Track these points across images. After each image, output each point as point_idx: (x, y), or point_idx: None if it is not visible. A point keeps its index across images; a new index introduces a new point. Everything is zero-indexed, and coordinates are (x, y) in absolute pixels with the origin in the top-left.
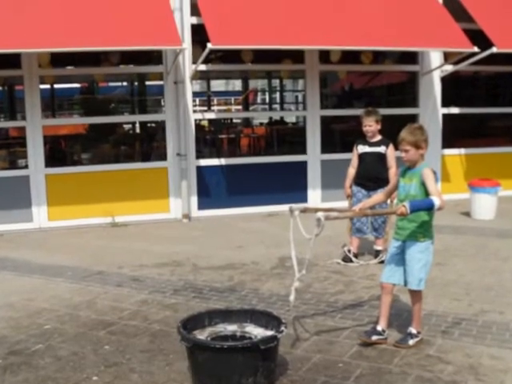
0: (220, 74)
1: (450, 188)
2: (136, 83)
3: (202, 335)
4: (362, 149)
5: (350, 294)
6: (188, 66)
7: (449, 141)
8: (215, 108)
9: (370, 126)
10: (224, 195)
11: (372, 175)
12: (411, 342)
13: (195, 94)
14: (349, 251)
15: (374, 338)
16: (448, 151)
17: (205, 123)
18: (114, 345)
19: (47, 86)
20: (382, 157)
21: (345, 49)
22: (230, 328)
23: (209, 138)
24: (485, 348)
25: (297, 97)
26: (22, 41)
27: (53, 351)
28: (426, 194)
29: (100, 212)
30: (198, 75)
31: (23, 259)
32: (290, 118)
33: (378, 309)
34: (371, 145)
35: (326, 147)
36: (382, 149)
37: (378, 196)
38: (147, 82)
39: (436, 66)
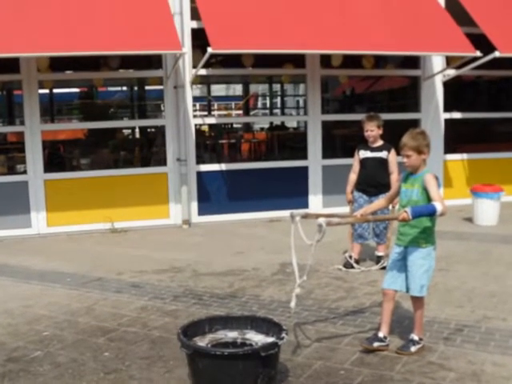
0: (220, 78)
1: (452, 193)
2: (136, 88)
3: (203, 342)
4: (364, 154)
5: (351, 301)
6: (188, 71)
7: (451, 146)
8: (215, 113)
9: (372, 131)
10: (224, 201)
11: (373, 181)
12: (413, 348)
13: (195, 99)
14: (350, 257)
15: (376, 344)
16: (450, 156)
17: (205, 128)
18: (113, 351)
19: (46, 91)
20: (383, 162)
21: (346, 53)
22: (231, 335)
23: (209, 143)
24: (488, 355)
25: (298, 101)
26: (20, 45)
27: (52, 358)
28: (428, 199)
29: (99, 218)
30: (198, 80)
31: (21, 265)
32: (291, 123)
33: (379, 315)
34: (373, 150)
35: (328, 152)
36: (383, 154)
37: (380, 202)
38: (147, 87)
39: (438, 71)
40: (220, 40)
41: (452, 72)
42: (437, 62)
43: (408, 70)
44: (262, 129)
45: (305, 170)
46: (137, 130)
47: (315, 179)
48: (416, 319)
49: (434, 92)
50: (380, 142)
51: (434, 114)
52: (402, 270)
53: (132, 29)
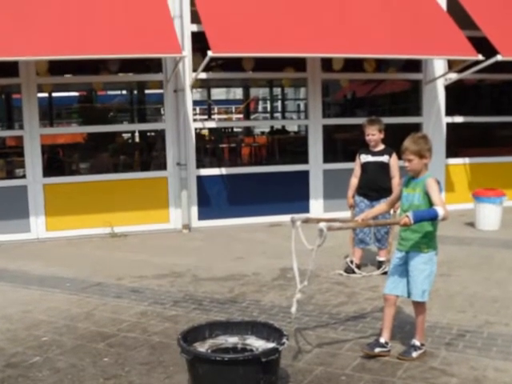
0: (221, 82)
1: (454, 198)
2: (135, 92)
3: (203, 347)
4: (365, 158)
5: (352, 306)
6: (188, 74)
7: (453, 150)
8: (216, 117)
9: (373, 135)
10: (225, 205)
11: (375, 185)
12: (415, 354)
13: (195, 103)
14: (351, 262)
15: (377, 350)
16: (452, 160)
17: (205, 132)
18: (113, 357)
19: (45, 95)
20: (384, 166)
21: (347, 57)
22: (231, 340)
23: (209, 147)
24: (490, 360)
25: (299, 105)
26: (19, 48)
27: (51, 363)
28: (430, 204)
29: (99, 222)
30: (198, 83)
31: (21, 270)
32: (292, 127)
33: (380, 321)
34: (374, 154)
35: (329, 156)
36: (384, 158)
37: (381, 206)
38: (147, 91)
39: (440, 75)
40: (220, 43)
41: (454, 76)
42: (438, 65)
43: (409, 74)
44: (262, 133)
45: (306, 174)
46: (136, 134)
47: (316, 183)
48: (417, 324)
49: (436, 96)
50: (381, 146)
51: (436, 118)
52: (403, 275)
53: (132, 32)
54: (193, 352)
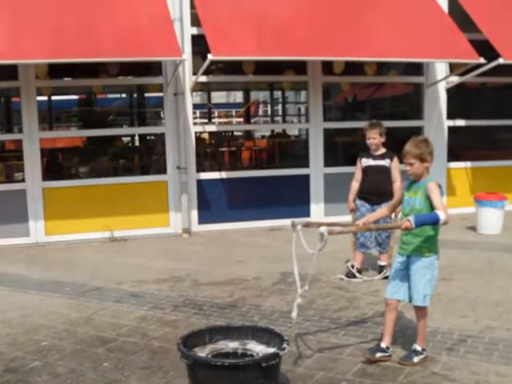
0: (221, 85)
1: (455, 202)
2: (135, 95)
3: (203, 352)
4: (366, 162)
5: (353, 311)
6: (188, 78)
7: (454, 154)
8: (216, 120)
9: (374, 138)
10: (225, 209)
11: (376, 189)
12: (416, 359)
13: (195, 106)
14: (352, 266)
15: (378, 355)
16: (453, 164)
17: (205, 136)
18: (112, 362)
19: (45, 98)
20: (386, 170)
21: (348, 60)
22: (232, 345)
23: (209, 151)
24: (491, 365)
25: (299, 109)
26: (18, 52)
27: (50, 368)
28: (431, 208)
29: (98, 226)
30: (198, 87)
31: (20, 274)
32: (293, 131)
33: (382, 325)
34: (375, 158)
35: (329, 160)
36: (386, 162)
37: (382, 210)
38: (146, 94)
39: (441, 78)
40: (220, 46)
41: (455, 79)
42: (440, 68)
43: (411, 77)
44: (263, 136)
45: (306, 178)
46: (136, 138)
47: (317, 187)
48: (419, 329)
49: (438, 99)
50: (382, 150)
51: (437, 122)
52: (404, 280)
53: (132, 35)
54: (193, 357)
